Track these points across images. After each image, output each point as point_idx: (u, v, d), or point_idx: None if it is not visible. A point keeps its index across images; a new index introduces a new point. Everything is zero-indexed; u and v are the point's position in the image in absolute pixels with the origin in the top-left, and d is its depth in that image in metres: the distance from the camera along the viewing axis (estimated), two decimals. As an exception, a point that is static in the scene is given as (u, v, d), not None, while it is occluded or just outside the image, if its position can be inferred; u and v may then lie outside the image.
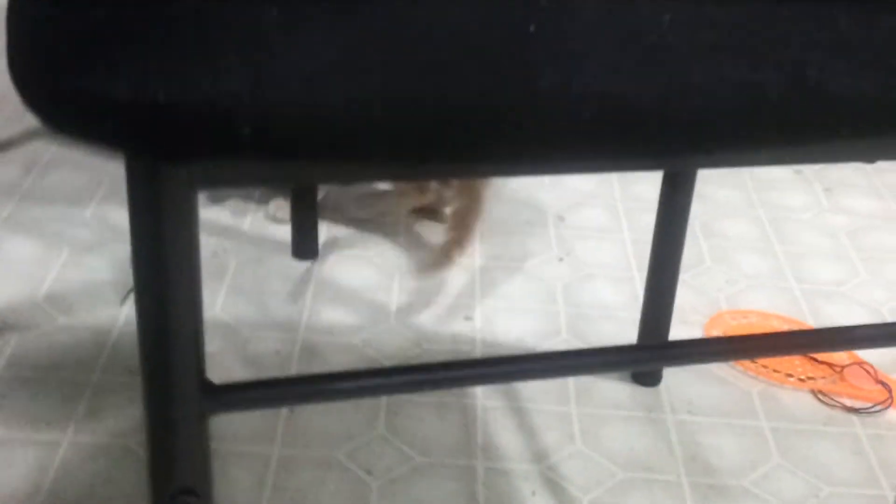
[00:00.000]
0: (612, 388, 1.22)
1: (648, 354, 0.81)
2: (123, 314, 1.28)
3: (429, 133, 0.56)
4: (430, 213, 1.53)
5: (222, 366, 1.20)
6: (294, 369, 1.21)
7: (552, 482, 1.09)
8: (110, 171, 1.57)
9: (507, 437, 1.14)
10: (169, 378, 0.62)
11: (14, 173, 1.55)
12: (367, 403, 1.17)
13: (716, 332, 1.32)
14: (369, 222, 1.51)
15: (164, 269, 0.60)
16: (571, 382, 1.22)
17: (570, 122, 0.56)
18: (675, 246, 1.17)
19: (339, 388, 0.67)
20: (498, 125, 0.56)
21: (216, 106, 0.53)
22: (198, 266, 0.62)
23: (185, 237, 0.59)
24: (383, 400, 1.18)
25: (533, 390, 1.21)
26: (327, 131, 0.55)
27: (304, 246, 1.41)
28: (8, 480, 1.05)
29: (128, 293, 1.32)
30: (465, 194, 1.41)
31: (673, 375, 1.24)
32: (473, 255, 1.46)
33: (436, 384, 0.71)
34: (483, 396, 1.20)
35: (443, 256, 1.41)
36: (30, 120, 1.70)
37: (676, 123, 0.57)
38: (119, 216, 1.47)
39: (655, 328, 1.22)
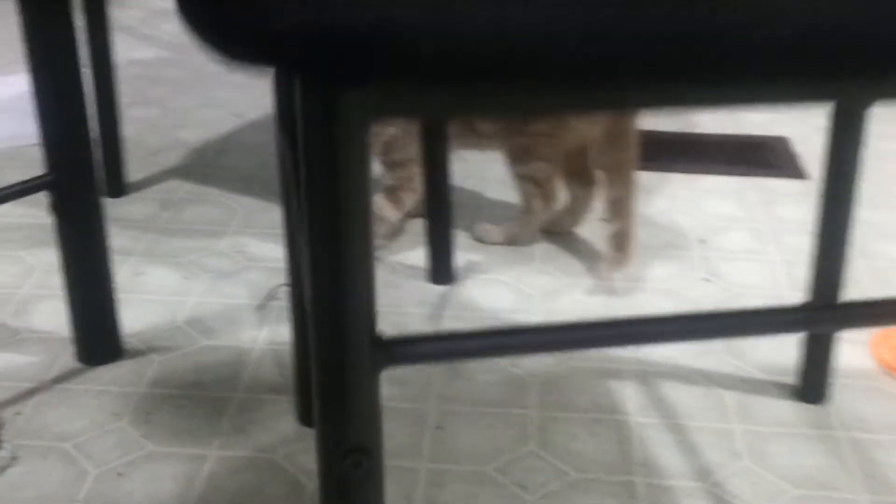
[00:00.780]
0: (774, 406, 1.15)
1: (823, 315, 0.75)
2: (262, 335, 1.26)
3: (616, 56, 0.52)
4: (559, 234, 1.50)
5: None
6: (437, 386, 1.18)
7: (719, 499, 1.02)
8: (244, 204, 1.57)
9: (666, 454, 1.08)
10: (341, 329, 0.59)
11: (150, 210, 1.56)
12: (515, 420, 1.13)
13: (882, 349, 1.24)
14: (503, 247, 1.48)
15: (338, 204, 0.58)
16: (730, 399, 1.16)
17: (770, 41, 0.52)
18: (837, 262, 1.10)
19: (510, 343, 0.63)
20: (692, 48, 0.52)
21: (397, 25, 0.50)
22: (370, 206, 0.59)
23: (358, 172, 0.57)
24: (533, 416, 1.13)
25: (689, 407, 1.15)
26: (512, 54, 0.52)
27: (441, 271, 1.38)
28: (156, 493, 1.02)
29: (266, 298, 1.31)
30: (619, 214, 1.39)
31: (840, 393, 1.17)
32: (615, 277, 1.41)
33: (607, 340, 0.66)
34: (637, 413, 1.14)
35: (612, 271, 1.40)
36: (162, 161, 1.72)
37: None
38: (254, 246, 1.47)
39: (818, 344, 1.15)
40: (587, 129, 1.43)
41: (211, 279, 1.39)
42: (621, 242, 1.41)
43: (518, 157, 1.45)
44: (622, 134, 1.43)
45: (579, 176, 1.50)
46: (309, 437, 1.10)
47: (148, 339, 1.26)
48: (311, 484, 1.04)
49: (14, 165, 1.66)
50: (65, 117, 1.12)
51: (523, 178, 1.47)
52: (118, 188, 1.59)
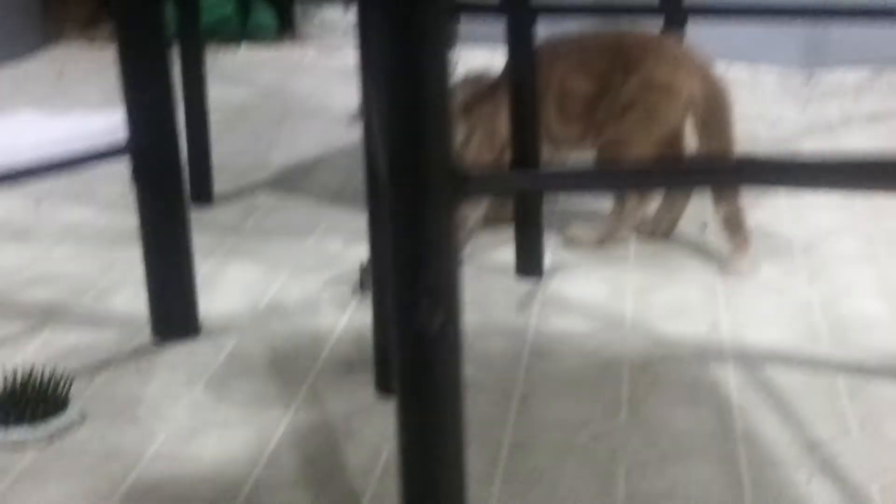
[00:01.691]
0: (891, 388, 1.06)
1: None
2: (342, 320, 1.22)
3: None
4: (654, 239, 1.44)
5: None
6: (523, 369, 1.11)
7: (830, 469, 0.93)
8: (329, 214, 1.55)
9: (770, 429, 1.00)
10: (417, 157, 0.55)
11: (235, 216, 1.55)
12: (605, 395, 1.06)
13: None
14: (593, 243, 1.42)
15: (416, 42, 0.54)
16: (841, 383, 1.07)
17: None
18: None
19: (592, 180, 0.57)
20: None
21: None
22: (449, 46, 0.55)
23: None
24: (624, 392, 1.06)
25: (794, 388, 1.06)
26: None
27: (529, 265, 1.33)
28: (227, 451, 0.97)
29: (361, 278, 1.28)
30: (724, 198, 1.36)
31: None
32: (713, 275, 1.34)
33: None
34: (738, 392, 1.06)
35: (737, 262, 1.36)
36: (250, 177, 1.72)
37: None
38: (338, 247, 1.43)
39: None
40: (675, 115, 1.39)
41: (293, 272, 1.36)
42: (735, 225, 1.36)
43: (614, 151, 1.41)
44: (717, 118, 1.39)
45: None
46: (387, 406, 1.04)
47: (226, 321, 1.22)
48: (388, 446, 0.98)
49: (106, 179, 1.67)
50: (147, 99, 1.13)
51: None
52: (205, 197, 1.58)
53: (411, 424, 0.60)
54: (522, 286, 1.31)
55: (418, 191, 0.55)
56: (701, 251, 1.42)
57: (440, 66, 0.53)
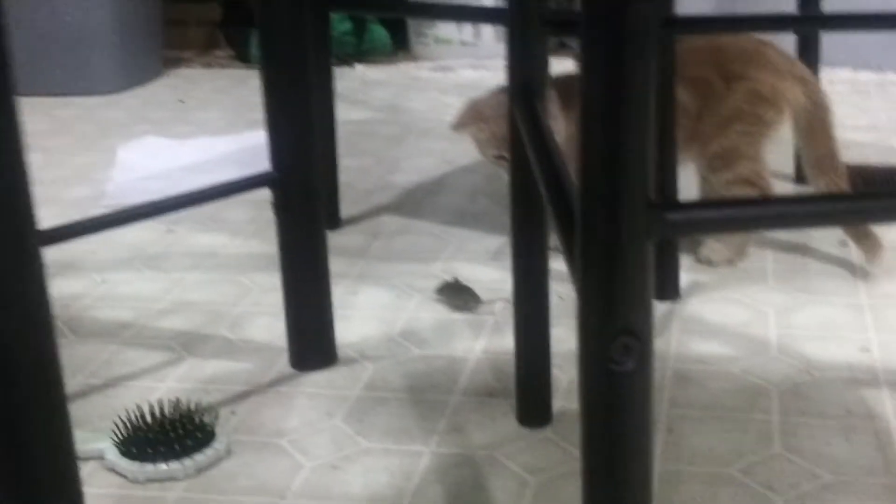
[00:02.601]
0: None
1: None
2: (478, 346, 1.21)
3: None
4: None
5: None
6: (666, 396, 1.09)
7: None
8: (456, 235, 1.55)
9: (934, 461, 0.95)
10: (613, 189, 0.53)
11: (363, 240, 1.55)
12: (755, 425, 1.02)
13: None
14: (729, 266, 1.38)
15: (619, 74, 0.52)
16: None
17: None
18: None
19: (800, 212, 0.55)
20: None
21: None
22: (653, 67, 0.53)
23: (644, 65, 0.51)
24: (775, 421, 1.03)
25: (958, 415, 1.02)
26: None
27: (665, 287, 1.30)
28: (372, 485, 0.97)
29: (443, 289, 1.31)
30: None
31: None
32: (857, 295, 1.29)
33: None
34: (895, 418, 1.02)
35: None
36: (375, 200, 1.73)
37: None
38: (467, 269, 1.43)
39: None
40: (780, 124, 1.37)
41: (424, 297, 1.36)
42: (862, 232, 1.34)
43: (722, 164, 1.38)
44: (820, 126, 1.37)
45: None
46: (530, 437, 1.03)
47: (362, 349, 1.23)
48: (535, 479, 0.96)
49: (240, 204, 1.70)
50: (291, 128, 1.13)
51: (735, 183, 1.38)
52: (333, 222, 1.59)
53: (598, 468, 0.58)
54: (660, 309, 1.28)
55: (614, 223, 0.53)
56: (842, 268, 1.37)
57: (643, 89, 0.52)
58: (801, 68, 1.42)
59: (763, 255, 1.42)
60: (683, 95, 1.36)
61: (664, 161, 1.26)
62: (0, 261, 0.60)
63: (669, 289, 1.30)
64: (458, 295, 1.34)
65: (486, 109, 1.45)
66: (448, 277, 1.38)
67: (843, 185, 1.37)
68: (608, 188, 0.52)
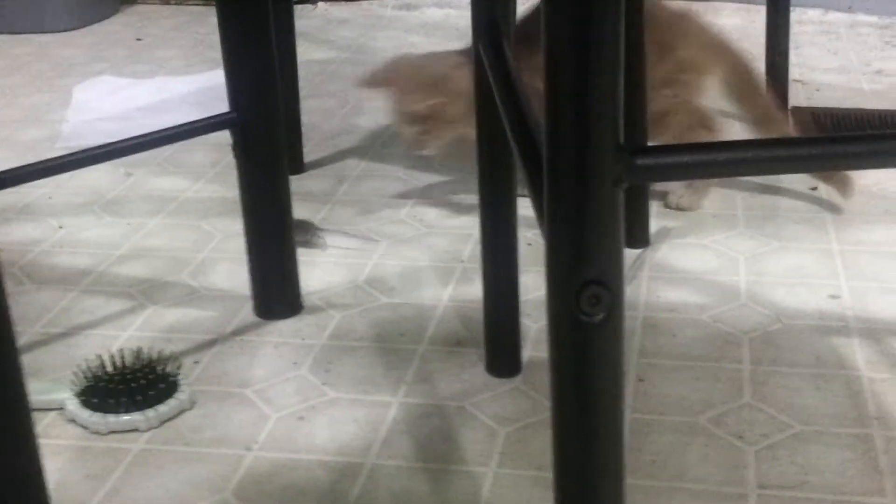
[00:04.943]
0: None
1: None
2: (446, 294, 1.19)
3: None
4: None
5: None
6: (637, 343, 1.08)
7: (974, 453, 0.89)
8: (422, 179, 1.52)
9: (904, 410, 0.95)
10: (581, 133, 0.51)
11: (327, 185, 1.52)
12: (726, 374, 1.02)
13: None
14: (699, 213, 1.37)
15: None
16: (975, 356, 1.02)
17: None
18: None
19: (772, 156, 0.53)
20: None
21: None
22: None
23: None
24: (746, 371, 1.02)
25: (928, 364, 1.02)
26: None
27: (635, 234, 1.28)
28: (338, 436, 0.95)
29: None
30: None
31: None
32: (828, 241, 1.28)
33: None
34: (868, 368, 1.01)
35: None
36: (339, 144, 1.69)
37: None
38: (434, 215, 1.40)
39: None
40: (703, 84, 1.43)
41: (390, 244, 1.33)
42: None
43: (657, 127, 1.39)
44: (750, 91, 1.43)
45: None
46: (499, 387, 1.01)
47: (327, 297, 1.20)
48: (504, 430, 0.95)
49: (200, 146, 1.65)
50: (251, 69, 1.09)
51: (681, 134, 1.41)
52: (296, 166, 1.56)
53: (568, 420, 0.56)
54: (629, 257, 1.27)
55: (583, 169, 0.51)
56: (812, 214, 1.36)
57: (612, 27, 0.49)
58: (723, 38, 1.46)
59: (733, 200, 1.41)
60: None
61: (633, 105, 1.24)
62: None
63: (639, 236, 1.28)
64: (302, 232, 1.32)
65: (400, 78, 1.39)
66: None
67: (791, 133, 1.41)
68: (576, 131, 0.50)
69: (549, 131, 0.52)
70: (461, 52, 1.40)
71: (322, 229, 1.35)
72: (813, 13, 2.33)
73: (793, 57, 1.67)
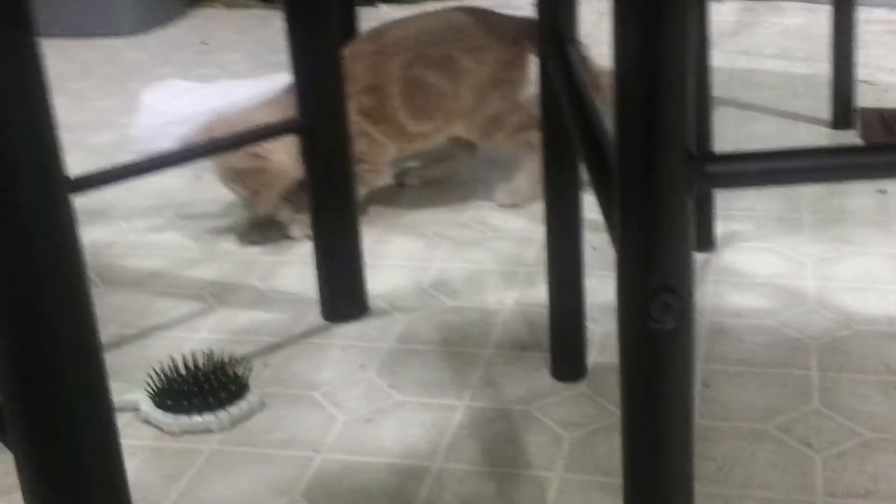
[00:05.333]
0: None
1: None
2: (510, 298, 1.20)
3: None
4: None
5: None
6: (703, 348, 1.07)
7: None
8: (485, 182, 1.53)
9: (976, 418, 0.94)
10: (652, 142, 0.51)
11: (390, 189, 1.54)
12: (793, 380, 1.01)
13: None
14: (766, 217, 1.36)
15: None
16: None
17: None
18: None
19: (841, 164, 0.53)
20: None
21: None
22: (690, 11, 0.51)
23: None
24: (813, 377, 1.01)
25: None
26: None
27: (701, 238, 1.28)
28: (406, 439, 0.97)
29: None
30: None
31: None
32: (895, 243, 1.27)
33: None
34: (938, 376, 1.01)
35: None
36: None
37: None
38: (496, 218, 1.41)
39: None
40: (524, 76, 1.47)
41: (454, 247, 1.34)
42: None
43: (493, 127, 1.46)
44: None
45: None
46: (564, 391, 1.02)
47: (393, 300, 1.22)
48: (570, 434, 0.96)
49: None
50: (318, 74, 1.11)
51: (512, 136, 1.46)
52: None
53: (638, 427, 0.57)
54: (695, 261, 1.26)
55: (654, 178, 0.51)
56: (880, 217, 1.35)
57: (681, 37, 0.50)
58: (530, 27, 1.47)
59: (799, 203, 1.40)
60: (433, 78, 1.42)
61: (700, 113, 1.24)
62: (31, 209, 0.59)
63: (705, 240, 1.28)
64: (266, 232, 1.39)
65: (223, 129, 1.28)
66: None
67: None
68: (647, 140, 0.51)
69: (620, 140, 0.53)
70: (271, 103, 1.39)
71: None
72: (879, 12, 2.30)
73: (859, 57, 1.65)
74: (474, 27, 1.44)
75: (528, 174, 1.46)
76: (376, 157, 1.42)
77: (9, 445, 0.64)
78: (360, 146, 1.34)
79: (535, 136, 1.42)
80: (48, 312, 0.61)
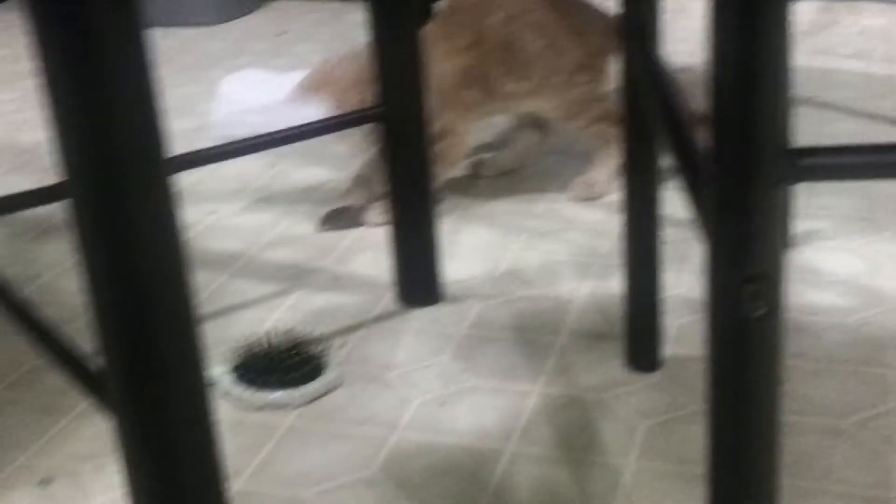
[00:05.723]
0: None
1: None
2: (584, 288, 1.20)
3: None
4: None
5: (694, 338, 1.08)
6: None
7: None
8: (561, 173, 1.53)
9: None
10: (747, 135, 0.52)
11: (466, 178, 1.55)
12: (871, 379, 1.00)
13: None
14: (845, 215, 1.35)
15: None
16: None
17: None
18: None
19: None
20: None
21: None
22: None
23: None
24: (892, 375, 1.00)
25: None
26: None
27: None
28: (479, 422, 0.98)
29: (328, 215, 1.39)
30: None
31: None
32: (979, 249, 1.25)
33: None
34: None
35: None
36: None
37: None
38: (570, 210, 1.42)
39: None
40: (607, 66, 1.46)
41: (528, 237, 1.35)
42: None
43: (576, 110, 1.45)
44: None
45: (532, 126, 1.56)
46: (639, 381, 1.02)
47: (467, 288, 1.23)
48: (644, 424, 0.96)
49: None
50: (398, 63, 1.12)
51: (590, 125, 1.46)
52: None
53: (725, 414, 0.57)
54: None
55: (749, 169, 0.52)
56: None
57: (779, 29, 0.50)
58: (614, 23, 1.46)
59: (879, 203, 1.38)
60: (534, 39, 1.42)
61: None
62: (135, 188, 0.61)
63: (784, 237, 1.27)
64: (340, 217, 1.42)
65: (336, 73, 1.41)
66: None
67: None
68: (743, 132, 0.51)
69: (717, 132, 0.53)
70: None
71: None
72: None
73: (944, 59, 1.62)
74: (570, 10, 1.45)
75: (602, 168, 1.46)
76: (463, 127, 1.44)
77: (106, 407, 0.66)
78: (447, 117, 1.37)
79: (612, 130, 1.43)
80: (149, 283, 0.63)
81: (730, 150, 0.52)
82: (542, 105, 1.47)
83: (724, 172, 0.53)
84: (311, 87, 1.43)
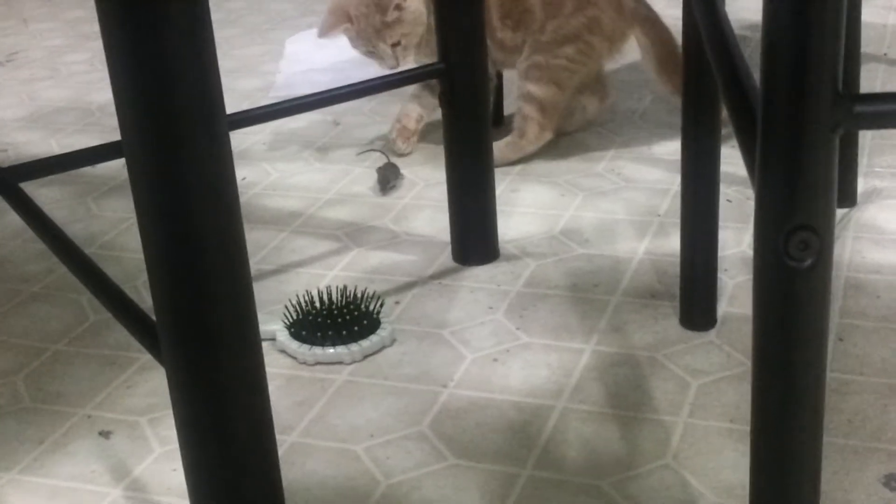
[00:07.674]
0: None
1: None
2: (641, 247, 1.20)
3: None
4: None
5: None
6: (839, 302, 1.05)
7: None
8: (621, 132, 1.52)
9: None
10: (798, 78, 0.51)
11: (526, 137, 1.55)
12: (933, 339, 0.99)
13: None
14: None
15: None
16: None
17: None
18: None
19: None
20: None
21: None
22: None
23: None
24: (955, 336, 0.99)
25: None
26: None
27: (842, 192, 1.25)
28: (531, 378, 0.98)
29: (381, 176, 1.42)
30: None
31: None
32: None
33: None
34: None
35: None
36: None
37: None
38: (632, 170, 1.40)
39: None
40: (606, 59, 1.46)
41: (587, 196, 1.34)
42: None
43: (533, 75, 1.42)
44: (668, 59, 1.45)
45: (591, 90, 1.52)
46: (692, 339, 1.02)
47: (523, 246, 1.23)
48: (696, 382, 0.95)
49: (405, 97, 1.71)
50: (460, 20, 1.12)
51: (529, 99, 1.43)
52: (497, 118, 1.58)
53: (770, 365, 0.57)
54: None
55: (799, 115, 0.51)
56: None
57: None
58: (647, 8, 1.45)
59: (948, 162, 1.35)
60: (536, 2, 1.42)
61: (849, 64, 1.20)
62: (191, 145, 0.62)
63: (846, 194, 1.25)
64: (388, 173, 1.43)
65: (350, 8, 1.45)
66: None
67: None
68: (795, 76, 0.50)
69: (767, 76, 0.52)
70: None
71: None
72: None
73: None
74: None
75: (509, 142, 1.46)
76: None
77: (162, 362, 0.68)
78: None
79: (538, 129, 1.44)
80: (203, 239, 0.64)
81: (781, 91, 0.51)
82: (518, 62, 1.46)
83: (774, 118, 0.52)
84: (329, 24, 1.49)
